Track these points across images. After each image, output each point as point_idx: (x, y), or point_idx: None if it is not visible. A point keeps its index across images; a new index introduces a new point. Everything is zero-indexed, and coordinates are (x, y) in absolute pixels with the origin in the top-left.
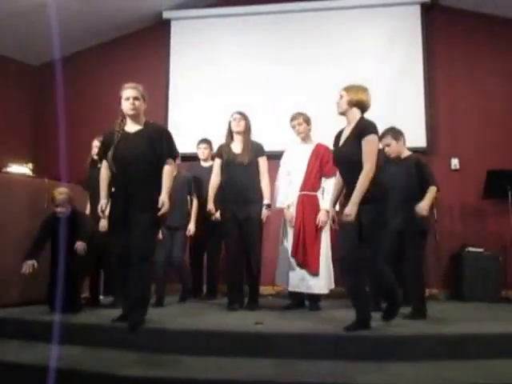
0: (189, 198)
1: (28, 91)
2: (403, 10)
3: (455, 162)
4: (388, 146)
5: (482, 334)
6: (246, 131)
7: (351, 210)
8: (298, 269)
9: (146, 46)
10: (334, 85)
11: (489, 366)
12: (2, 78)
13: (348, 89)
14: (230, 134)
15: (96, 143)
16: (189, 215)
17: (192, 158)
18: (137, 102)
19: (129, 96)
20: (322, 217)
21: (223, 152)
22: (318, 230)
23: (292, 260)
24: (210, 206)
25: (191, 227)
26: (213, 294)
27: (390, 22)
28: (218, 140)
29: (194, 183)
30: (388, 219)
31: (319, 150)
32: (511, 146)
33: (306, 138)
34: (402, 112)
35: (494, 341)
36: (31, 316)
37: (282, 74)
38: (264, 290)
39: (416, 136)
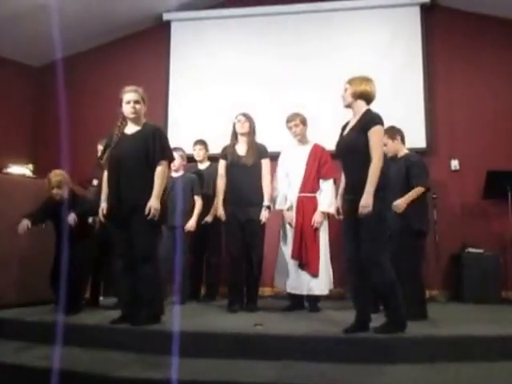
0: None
1: (29, 92)
2: (403, 11)
3: (455, 163)
4: (385, 145)
5: (482, 335)
6: (251, 133)
7: (367, 201)
8: (298, 270)
9: (146, 48)
10: (334, 85)
11: (489, 368)
12: (3, 79)
13: (351, 81)
14: (235, 136)
15: (100, 147)
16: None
17: (193, 160)
18: (137, 106)
19: (130, 99)
20: (317, 218)
21: (228, 153)
22: (316, 230)
23: (292, 262)
24: (220, 211)
25: (191, 223)
26: (212, 296)
27: (390, 23)
28: (218, 140)
29: (199, 183)
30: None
31: (317, 151)
32: (511, 146)
33: (302, 139)
34: (402, 113)
35: (494, 343)
36: (30, 317)
37: (282, 74)
38: (263, 291)
39: (416, 137)
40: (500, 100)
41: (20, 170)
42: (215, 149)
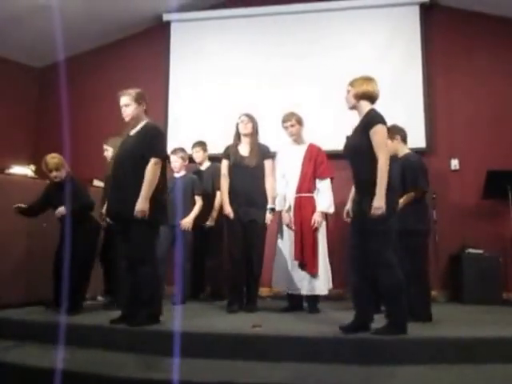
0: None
1: (31, 93)
2: (402, 10)
3: (455, 163)
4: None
5: (482, 337)
6: (254, 133)
7: (379, 202)
8: (297, 270)
9: (146, 48)
10: (334, 84)
11: (489, 369)
12: (5, 79)
13: (353, 82)
14: (238, 136)
15: (105, 146)
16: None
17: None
18: (128, 109)
19: (121, 104)
20: (317, 217)
21: (230, 153)
22: (315, 230)
23: (290, 262)
24: (228, 209)
25: (188, 220)
26: (219, 296)
27: (390, 22)
28: (218, 140)
29: (199, 184)
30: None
31: (312, 150)
32: (511, 146)
33: (298, 138)
34: (401, 112)
35: (494, 344)
36: (31, 317)
37: (281, 74)
38: (262, 291)
39: (415, 136)
40: (500, 99)
41: (22, 170)
42: (216, 149)
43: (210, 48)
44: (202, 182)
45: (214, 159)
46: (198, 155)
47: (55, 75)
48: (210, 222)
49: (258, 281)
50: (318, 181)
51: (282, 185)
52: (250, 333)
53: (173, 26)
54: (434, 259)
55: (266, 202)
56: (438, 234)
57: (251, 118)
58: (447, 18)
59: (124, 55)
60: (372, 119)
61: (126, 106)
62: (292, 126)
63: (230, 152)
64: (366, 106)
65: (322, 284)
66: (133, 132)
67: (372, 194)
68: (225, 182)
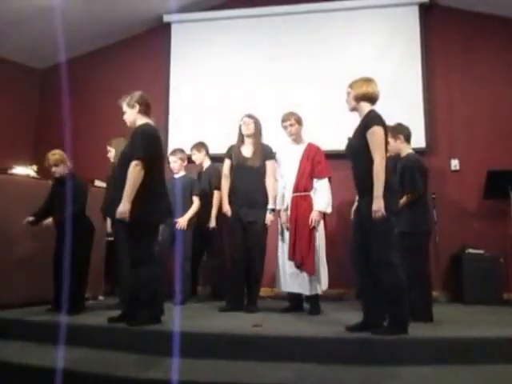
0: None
1: (33, 94)
2: (401, 10)
3: (455, 163)
4: (388, 143)
5: (483, 337)
6: (257, 134)
7: (378, 205)
8: (295, 271)
9: (147, 49)
10: (334, 84)
11: (490, 370)
12: (7, 80)
13: (352, 84)
14: (241, 137)
15: (109, 148)
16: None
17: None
18: (125, 116)
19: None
20: (314, 216)
21: (233, 154)
22: (312, 230)
23: (289, 262)
24: (226, 207)
25: (183, 219)
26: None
27: (389, 23)
28: (219, 141)
29: (198, 184)
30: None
31: (310, 150)
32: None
33: (297, 138)
34: (401, 112)
35: (495, 345)
36: (33, 317)
37: (282, 74)
38: (263, 291)
39: (415, 136)
40: (499, 99)
41: (24, 170)
42: (217, 149)
43: (210, 49)
44: (201, 183)
45: (216, 159)
46: (194, 157)
47: (57, 76)
48: (211, 224)
49: (258, 282)
50: (315, 180)
51: (281, 184)
52: (250, 333)
53: (173, 27)
54: (435, 260)
55: (267, 202)
56: (439, 235)
57: (253, 119)
58: (446, 18)
59: (125, 56)
60: (370, 121)
61: (124, 113)
62: (291, 125)
63: (233, 152)
64: (366, 107)
65: (318, 284)
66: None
67: (370, 195)
68: (225, 182)
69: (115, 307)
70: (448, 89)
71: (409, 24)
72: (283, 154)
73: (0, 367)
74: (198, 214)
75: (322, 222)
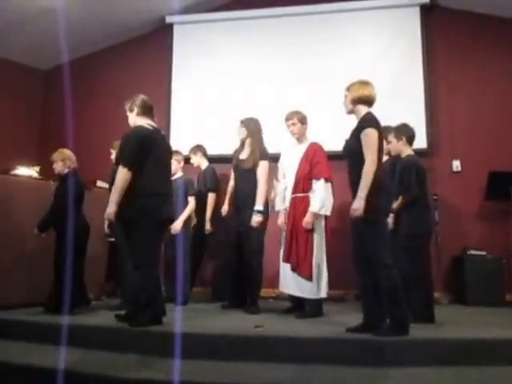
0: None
1: (36, 95)
2: (403, 12)
3: (457, 164)
4: (389, 143)
5: (485, 339)
6: (251, 136)
7: (358, 204)
8: (291, 273)
9: (149, 50)
10: (335, 85)
11: (492, 372)
12: (11, 81)
13: (349, 87)
14: (241, 140)
15: (112, 150)
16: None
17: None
18: (129, 120)
19: None
20: (307, 218)
21: (233, 156)
22: (309, 232)
23: (285, 264)
24: (224, 207)
25: (178, 222)
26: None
27: (390, 24)
28: (220, 142)
29: (193, 185)
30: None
31: (310, 150)
32: None
33: (300, 138)
34: (402, 113)
35: (497, 346)
36: (33, 317)
37: (284, 75)
38: (264, 292)
39: (416, 137)
40: (501, 100)
41: (27, 171)
42: (218, 150)
43: (212, 50)
44: (199, 184)
45: (217, 160)
46: (192, 161)
47: (60, 77)
48: (206, 227)
49: (256, 283)
50: (313, 181)
51: (282, 185)
52: (252, 334)
53: (175, 28)
54: (436, 261)
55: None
56: (440, 236)
57: (244, 123)
58: (447, 19)
59: (127, 57)
60: (365, 123)
61: (128, 117)
62: (293, 124)
63: (234, 155)
64: (363, 109)
65: (316, 287)
66: None
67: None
68: (230, 184)
69: (117, 308)
70: (449, 89)
71: (410, 25)
72: (286, 154)
73: (1, 367)
74: (197, 216)
75: (322, 224)
